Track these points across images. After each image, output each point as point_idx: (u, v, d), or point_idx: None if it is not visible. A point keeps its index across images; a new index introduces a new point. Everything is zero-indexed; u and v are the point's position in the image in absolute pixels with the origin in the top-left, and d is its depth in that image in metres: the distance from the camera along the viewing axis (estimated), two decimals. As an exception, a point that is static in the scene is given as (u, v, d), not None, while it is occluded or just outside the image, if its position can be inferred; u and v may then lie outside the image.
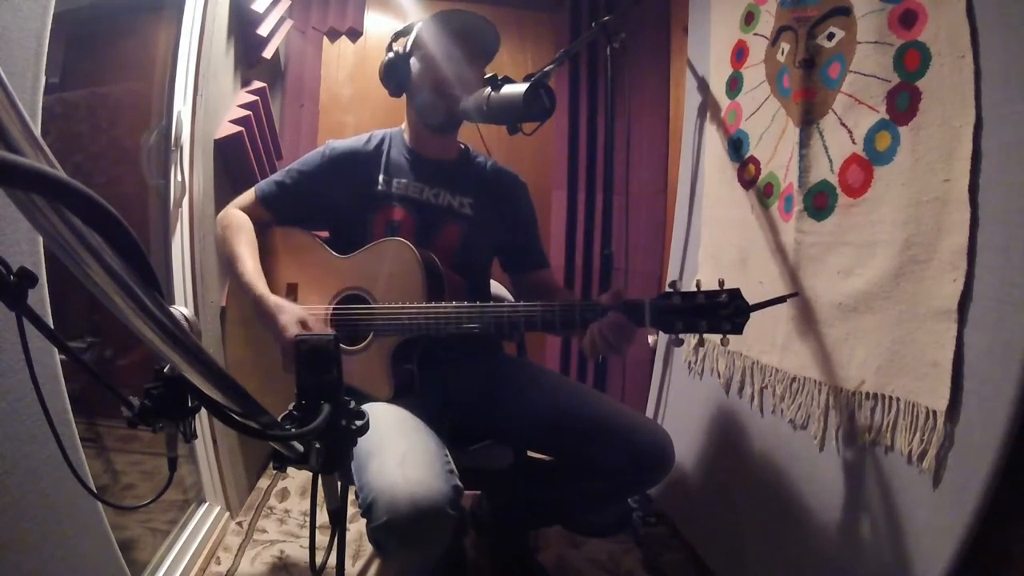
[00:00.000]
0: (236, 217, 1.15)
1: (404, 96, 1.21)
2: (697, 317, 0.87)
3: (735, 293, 0.86)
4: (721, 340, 0.87)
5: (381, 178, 1.16)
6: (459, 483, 0.88)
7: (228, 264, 1.11)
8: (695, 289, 0.88)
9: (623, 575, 1.40)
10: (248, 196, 1.18)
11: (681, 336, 0.90)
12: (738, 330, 0.85)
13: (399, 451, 0.88)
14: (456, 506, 0.84)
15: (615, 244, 1.41)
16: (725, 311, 0.85)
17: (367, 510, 0.82)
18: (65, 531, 0.79)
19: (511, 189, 1.28)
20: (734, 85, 1.38)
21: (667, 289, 0.90)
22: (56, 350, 0.76)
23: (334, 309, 1.09)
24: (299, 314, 1.03)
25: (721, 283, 0.87)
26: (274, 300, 1.04)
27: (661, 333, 1.75)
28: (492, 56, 1.21)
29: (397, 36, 1.21)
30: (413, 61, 1.16)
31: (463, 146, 1.28)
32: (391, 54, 1.17)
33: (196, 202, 1.38)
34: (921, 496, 0.84)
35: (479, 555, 1.41)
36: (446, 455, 0.93)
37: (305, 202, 1.17)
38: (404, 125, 1.24)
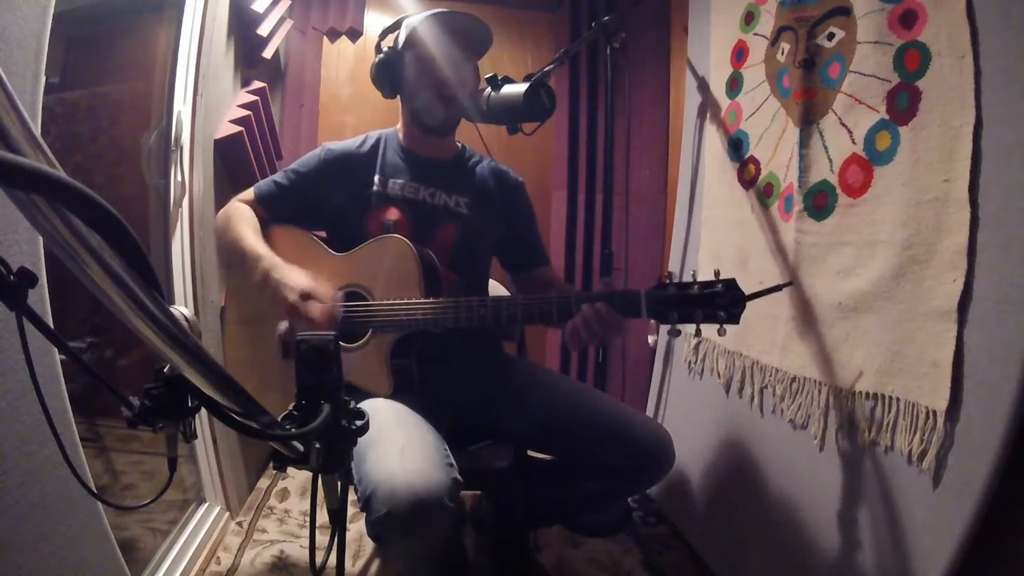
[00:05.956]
0: (240, 208, 1.15)
1: (398, 96, 1.20)
2: (693, 307, 0.86)
3: (731, 283, 0.85)
4: (719, 331, 0.87)
5: (377, 179, 1.16)
6: (458, 476, 0.88)
7: (230, 245, 1.10)
8: (691, 279, 0.88)
9: (623, 575, 1.40)
10: (247, 195, 1.19)
11: (678, 327, 0.89)
12: (734, 320, 0.84)
13: (398, 443, 0.88)
14: (455, 498, 0.84)
15: (615, 244, 1.41)
16: (721, 300, 0.85)
17: (366, 503, 0.82)
18: (65, 531, 0.79)
19: (508, 187, 1.28)
20: (734, 85, 1.38)
21: (663, 280, 0.89)
22: (56, 350, 0.76)
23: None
24: (303, 285, 0.97)
25: (717, 273, 0.86)
26: (283, 269, 1.01)
27: (661, 334, 1.76)
28: (484, 52, 1.21)
29: (384, 34, 1.21)
30: (405, 62, 1.16)
31: (460, 145, 1.28)
32: (381, 54, 1.16)
33: (196, 202, 1.38)
34: (921, 496, 0.84)
35: (479, 555, 1.41)
36: (445, 448, 0.93)
37: (302, 203, 1.18)
38: (399, 125, 1.24)
